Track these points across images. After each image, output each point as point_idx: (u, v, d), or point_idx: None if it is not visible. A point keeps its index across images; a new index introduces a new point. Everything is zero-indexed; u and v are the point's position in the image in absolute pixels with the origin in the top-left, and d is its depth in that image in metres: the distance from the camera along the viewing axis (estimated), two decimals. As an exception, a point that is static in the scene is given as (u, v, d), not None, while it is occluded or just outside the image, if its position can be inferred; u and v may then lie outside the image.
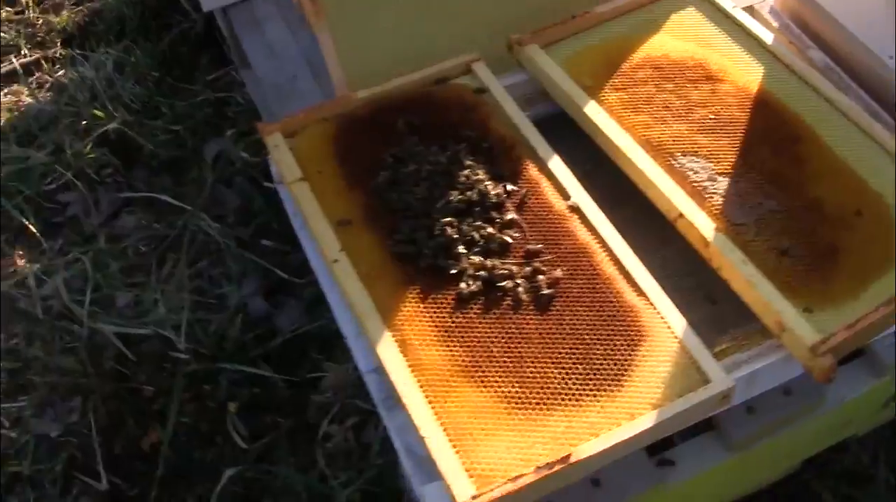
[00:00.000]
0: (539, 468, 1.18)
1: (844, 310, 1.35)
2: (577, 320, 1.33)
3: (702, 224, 1.43)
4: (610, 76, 1.67)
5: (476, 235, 1.42)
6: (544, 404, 1.25)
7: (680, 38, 1.76)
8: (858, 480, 1.76)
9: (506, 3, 1.82)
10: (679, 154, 1.53)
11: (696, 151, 1.54)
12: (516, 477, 1.17)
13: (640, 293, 1.36)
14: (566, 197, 1.48)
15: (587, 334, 1.32)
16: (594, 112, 1.61)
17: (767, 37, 1.74)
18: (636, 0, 1.82)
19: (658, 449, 1.40)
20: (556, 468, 1.18)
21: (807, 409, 1.42)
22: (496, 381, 1.28)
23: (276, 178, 1.64)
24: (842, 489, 1.75)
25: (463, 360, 1.30)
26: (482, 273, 1.38)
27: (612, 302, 1.35)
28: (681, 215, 1.44)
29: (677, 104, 1.62)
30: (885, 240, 1.42)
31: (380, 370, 1.37)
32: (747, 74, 1.68)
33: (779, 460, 1.59)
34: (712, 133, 1.57)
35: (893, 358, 1.46)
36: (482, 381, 1.28)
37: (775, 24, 1.82)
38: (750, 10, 1.82)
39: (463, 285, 1.37)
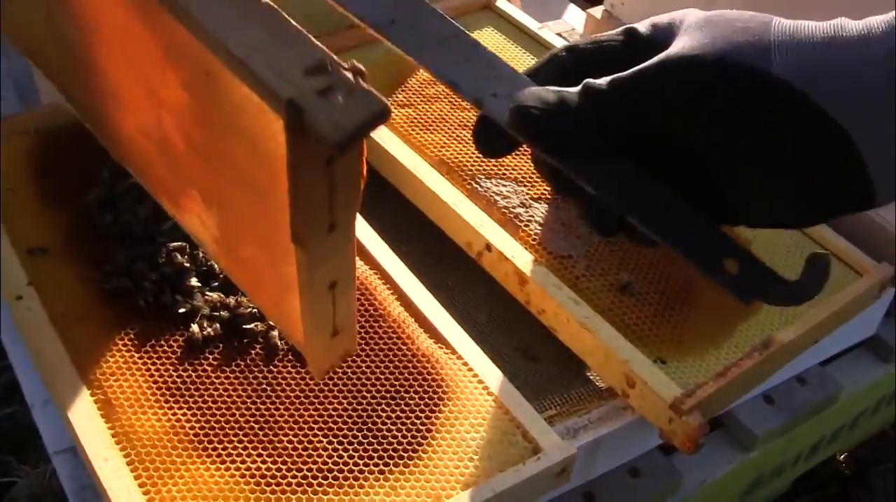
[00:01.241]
0: (299, 578, 0.79)
1: (706, 360, 1.03)
2: (355, 373, 0.96)
3: (516, 256, 1.08)
4: (393, 92, 1.34)
5: (215, 265, 1.04)
6: (308, 487, 0.87)
7: (480, 54, 1.45)
8: None
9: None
10: (482, 177, 1.19)
11: (505, 174, 1.21)
12: None
13: (440, 340, 1.00)
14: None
15: (368, 391, 0.95)
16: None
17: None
18: (423, 17, 1.50)
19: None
20: (325, 577, 0.79)
21: (661, 495, 1.08)
22: (240, 456, 0.88)
23: (-47, 205, 1.22)
24: None
25: (193, 428, 0.90)
26: (222, 313, 0.99)
27: (402, 350, 0.99)
28: (488, 247, 1.10)
29: (478, 126, 1.29)
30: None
31: (75, 448, 0.96)
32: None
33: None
34: (523, 155, 1.24)
35: (762, 427, 1.14)
36: (220, 456, 0.88)
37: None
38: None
39: (195, 328, 0.98)
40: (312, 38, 0.54)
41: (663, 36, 0.61)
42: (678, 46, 0.58)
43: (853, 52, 0.53)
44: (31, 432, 1.45)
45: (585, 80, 0.59)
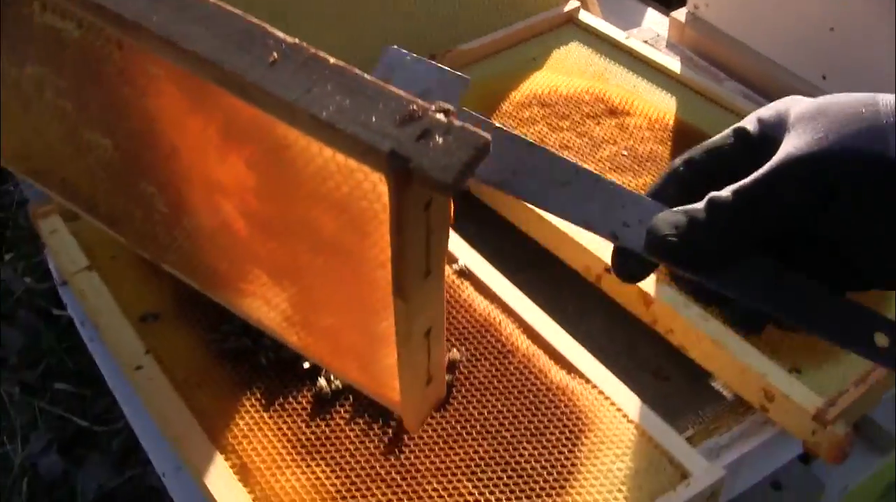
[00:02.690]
0: None
1: (842, 365, 1.00)
2: (491, 413, 0.94)
3: (638, 277, 1.06)
4: (488, 117, 1.32)
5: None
6: (461, 534, 0.85)
7: (569, 73, 1.43)
8: None
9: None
10: (591, 198, 1.17)
11: (617, 193, 1.18)
12: None
13: (572, 370, 0.98)
14: (452, 260, 1.10)
15: (507, 430, 0.93)
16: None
17: (675, 66, 1.43)
18: (507, 37, 1.48)
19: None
20: None
21: (805, 507, 1.05)
22: (386, 509, 0.87)
23: (57, 277, 1.22)
24: None
25: (334, 485, 0.89)
26: (348, 363, 0.98)
27: (536, 384, 0.97)
28: (607, 269, 1.08)
29: (579, 143, 1.27)
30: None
31: (213, 515, 0.95)
32: (658, 106, 1.36)
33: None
34: (629, 171, 1.23)
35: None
36: (365, 512, 0.87)
37: (677, 58, 1.52)
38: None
39: (322, 382, 0.97)
40: (393, 88, 0.53)
41: (775, 132, 0.61)
42: (793, 144, 0.58)
43: None
44: (154, 495, 1.45)
45: (709, 195, 0.60)
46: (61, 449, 1.70)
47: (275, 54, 0.55)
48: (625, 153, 1.26)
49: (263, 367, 0.99)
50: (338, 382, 0.96)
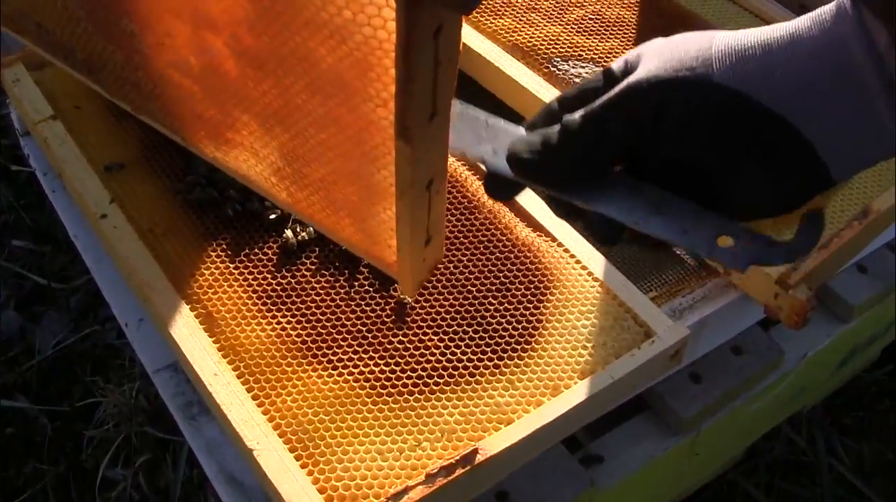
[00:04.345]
0: (430, 475, 0.77)
1: (806, 232, 1.01)
2: (457, 268, 0.94)
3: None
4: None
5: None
6: (425, 386, 0.85)
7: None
8: (794, 470, 1.43)
9: None
10: (558, 59, 1.16)
11: (581, 55, 1.17)
12: (398, 494, 0.76)
13: (538, 228, 0.98)
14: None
15: (473, 285, 0.93)
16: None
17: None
18: None
19: (575, 442, 1.02)
20: (457, 473, 0.78)
21: (764, 371, 1.06)
22: (351, 361, 0.87)
23: (20, 127, 1.20)
24: (776, 482, 1.40)
25: (300, 336, 0.89)
26: (316, 215, 0.97)
27: (502, 241, 0.96)
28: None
29: (546, 4, 1.25)
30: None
31: (177, 365, 0.96)
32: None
33: (728, 445, 1.23)
34: (596, 34, 1.21)
35: (858, 297, 1.12)
36: (331, 363, 0.87)
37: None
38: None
39: (289, 233, 0.96)
40: None
41: (632, 68, 0.66)
42: (637, 73, 0.64)
43: (784, 50, 0.59)
44: (112, 352, 1.45)
45: (563, 117, 0.66)
46: (18, 305, 1.68)
47: None
48: (592, 17, 1.24)
49: (230, 218, 0.98)
50: (304, 233, 0.96)
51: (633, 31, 1.22)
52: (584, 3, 1.26)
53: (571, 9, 1.25)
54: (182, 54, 0.67)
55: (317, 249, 0.95)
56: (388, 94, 0.54)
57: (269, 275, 0.93)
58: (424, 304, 0.91)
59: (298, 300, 0.91)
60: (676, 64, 0.62)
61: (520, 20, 1.22)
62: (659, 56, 0.63)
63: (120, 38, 0.70)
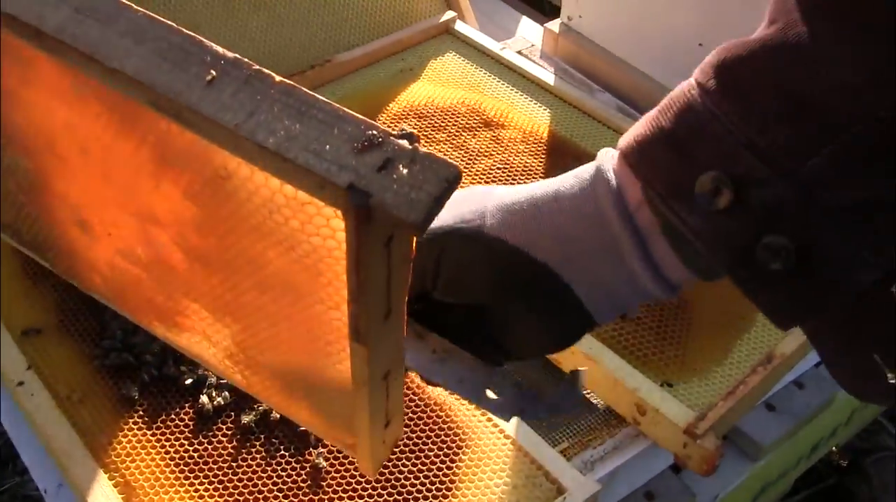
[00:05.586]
0: None
1: (711, 379, 1.05)
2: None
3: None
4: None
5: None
6: (341, 552, 0.86)
7: (445, 84, 1.45)
8: None
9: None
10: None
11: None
12: None
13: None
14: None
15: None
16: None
17: (549, 78, 1.46)
18: (384, 47, 1.50)
19: None
20: None
21: (675, 518, 1.08)
22: (268, 527, 0.88)
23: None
24: None
25: (216, 503, 0.90)
26: (231, 379, 0.98)
27: (414, 401, 0.99)
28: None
29: (455, 156, 1.30)
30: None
31: (95, 533, 0.95)
32: (533, 118, 1.39)
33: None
34: (503, 184, 1.25)
35: (768, 437, 1.15)
36: (248, 530, 0.88)
37: (551, 69, 1.54)
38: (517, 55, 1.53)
39: (205, 399, 0.97)
40: (347, 110, 0.46)
41: None
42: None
43: (549, 205, 0.62)
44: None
45: None
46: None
47: (213, 72, 0.48)
48: (499, 167, 1.28)
49: (146, 383, 1.00)
50: (220, 398, 0.97)
51: (542, 177, 1.27)
52: (492, 153, 1.31)
53: (480, 158, 1.30)
54: (129, 244, 0.65)
55: (233, 414, 0.97)
56: (339, 297, 0.52)
57: (185, 442, 0.95)
58: (339, 468, 0.92)
59: (215, 467, 0.93)
60: (457, 216, 0.65)
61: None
62: (447, 208, 0.62)
63: (66, 224, 0.70)
